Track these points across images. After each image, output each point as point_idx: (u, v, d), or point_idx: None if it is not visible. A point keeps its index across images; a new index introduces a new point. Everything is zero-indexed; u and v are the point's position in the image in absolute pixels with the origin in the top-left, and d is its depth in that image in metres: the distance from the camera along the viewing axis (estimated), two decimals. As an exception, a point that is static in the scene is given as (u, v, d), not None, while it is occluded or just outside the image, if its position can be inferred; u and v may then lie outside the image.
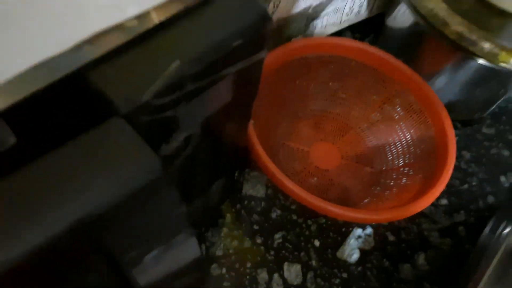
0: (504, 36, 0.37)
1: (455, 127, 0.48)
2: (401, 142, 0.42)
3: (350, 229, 0.39)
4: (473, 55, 0.38)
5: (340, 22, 0.47)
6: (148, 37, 0.16)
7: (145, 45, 0.16)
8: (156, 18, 0.16)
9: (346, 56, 0.42)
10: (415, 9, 0.40)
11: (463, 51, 0.38)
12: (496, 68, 0.37)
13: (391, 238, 0.39)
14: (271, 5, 0.35)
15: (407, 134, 0.42)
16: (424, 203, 0.33)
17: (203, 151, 0.23)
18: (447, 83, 0.45)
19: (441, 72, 0.44)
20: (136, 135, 0.14)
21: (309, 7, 0.40)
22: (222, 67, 0.18)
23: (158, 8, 0.16)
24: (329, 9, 0.43)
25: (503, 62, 0.36)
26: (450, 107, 0.41)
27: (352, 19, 0.48)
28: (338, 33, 0.50)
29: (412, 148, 0.42)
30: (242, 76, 0.20)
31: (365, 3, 0.47)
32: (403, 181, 0.40)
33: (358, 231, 0.39)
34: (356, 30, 0.53)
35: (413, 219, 0.41)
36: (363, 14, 0.49)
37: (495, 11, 0.38)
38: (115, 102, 0.14)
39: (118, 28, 0.15)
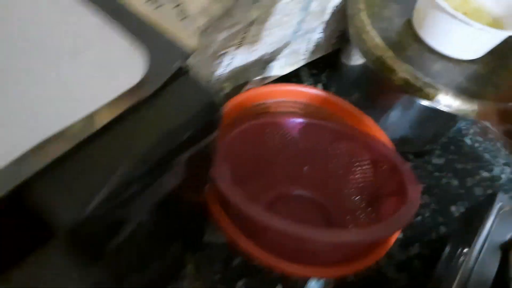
0: (446, 80, 0.39)
1: (408, 159, 0.51)
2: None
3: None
4: (419, 99, 0.40)
5: (297, 61, 0.48)
6: (93, 140, 0.16)
7: (90, 150, 0.15)
8: (100, 121, 0.16)
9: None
10: (365, 55, 0.41)
11: (410, 94, 0.40)
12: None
13: (349, 277, 0.40)
14: (229, 56, 0.36)
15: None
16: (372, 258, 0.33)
17: (155, 228, 0.23)
18: (398, 119, 0.47)
19: (392, 108, 0.47)
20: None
21: (265, 54, 0.40)
22: (174, 156, 0.18)
23: (105, 107, 0.16)
24: (286, 51, 0.44)
25: (446, 106, 0.39)
26: (403, 140, 0.43)
27: (309, 57, 0.50)
28: (296, 71, 0.51)
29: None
30: (196, 157, 0.20)
31: (321, 43, 0.48)
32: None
33: (319, 273, 0.39)
34: (312, 66, 0.54)
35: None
36: (319, 52, 0.50)
37: (437, 56, 0.40)
38: (55, 221, 0.14)
39: (61, 135, 0.15)
